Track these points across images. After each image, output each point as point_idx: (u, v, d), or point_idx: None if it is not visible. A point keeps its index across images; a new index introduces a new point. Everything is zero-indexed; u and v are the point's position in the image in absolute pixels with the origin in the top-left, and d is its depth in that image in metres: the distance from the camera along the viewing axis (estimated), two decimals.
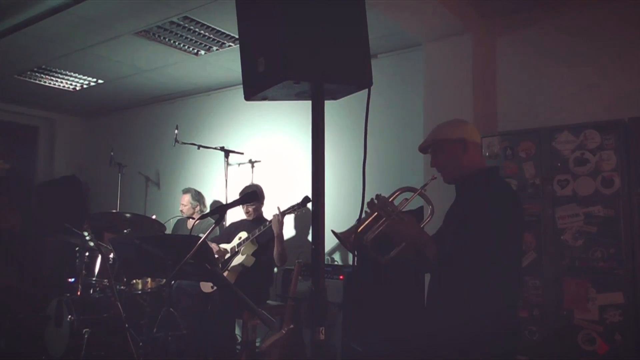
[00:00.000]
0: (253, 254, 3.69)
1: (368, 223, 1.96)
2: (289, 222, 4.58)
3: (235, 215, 4.23)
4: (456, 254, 1.74)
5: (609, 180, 2.84)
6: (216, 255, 3.78)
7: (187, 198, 4.66)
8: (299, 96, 1.40)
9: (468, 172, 1.96)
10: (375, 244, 1.92)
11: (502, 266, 1.68)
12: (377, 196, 1.99)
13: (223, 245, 3.86)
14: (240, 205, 3.89)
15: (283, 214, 3.62)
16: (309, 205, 3.59)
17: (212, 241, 3.91)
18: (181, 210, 4.71)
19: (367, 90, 1.38)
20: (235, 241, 3.82)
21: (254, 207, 3.89)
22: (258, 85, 1.36)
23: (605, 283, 2.78)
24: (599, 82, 3.21)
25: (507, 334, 1.74)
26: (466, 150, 1.95)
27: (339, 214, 3.80)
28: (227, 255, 3.81)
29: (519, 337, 1.86)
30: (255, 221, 3.84)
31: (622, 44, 3.17)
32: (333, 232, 1.99)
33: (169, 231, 4.78)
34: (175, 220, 4.89)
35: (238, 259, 3.71)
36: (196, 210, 4.61)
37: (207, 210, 4.84)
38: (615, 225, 2.78)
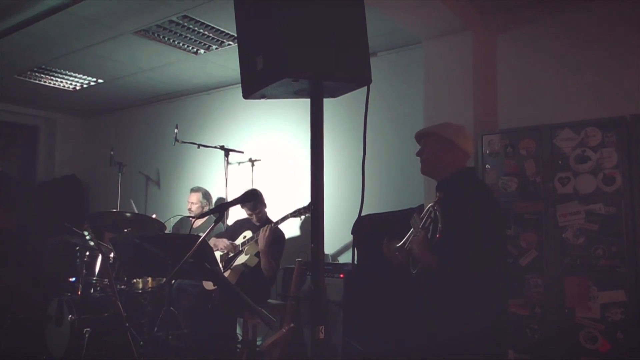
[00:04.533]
0: (257, 255, 3.67)
1: (407, 238, 2.07)
2: (289, 221, 4.57)
3: (240, 213, 4.20)
4: (452, 263, 1.79)
5: (610, 177, 2.83)
6: (226, 250, 3.75)
7: (197, 196, 4.60)
8: (297, 94, 1.40)
9: (448, 172, 2.10)
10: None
11: (493, 267, 1.70)
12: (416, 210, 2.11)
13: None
14: (246, 213, 3.88)
15: (272, 227, 3.56)
16: None
17: (218, 237, 3.89)
18: (189, 209, 4.63)
19: (366, 88, 1.38)
20: (240, 240, 3.80)
21: (260, 215, 3.82)
22: (257, 83, 1.36)
23: (607, 281, 2.77)
24: (600, 79, 3.20)
25: (500, 333, 1.75)
26: (451, 150, 2.09)
27: (338, 212, 3.80)
28: (231, 254, 3.79)
29: (506, 335, 1.90)
30: (262, 225, 3.81)
31: (624, 41, 3.15)
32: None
33: (171, 230, 4.77)
34: (176, 219, 4.88)
35: (241, 259, 3.68)
36: (204, 210, 4.58)
37: None
38: (617, 223, 2.77)
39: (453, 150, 2.10)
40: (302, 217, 3.57)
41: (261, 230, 3.56)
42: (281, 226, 3.71)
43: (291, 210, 3.55)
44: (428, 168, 2.18)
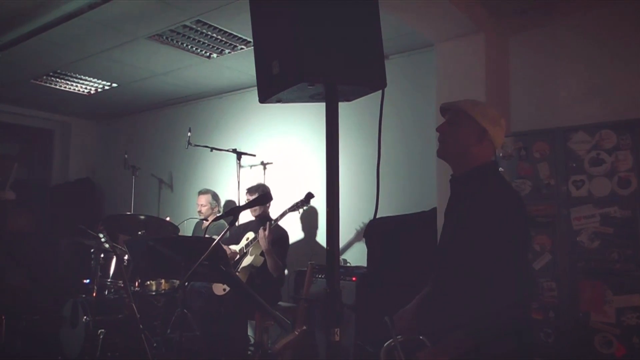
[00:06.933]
0: (261, 254, 3.71)
1: None
2: (297, 223, 4.59)
3: (243, 217, 4.24)
4: (465, 268, 1.67)
5: (626, 180, 2.80)
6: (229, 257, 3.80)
7: (206, 198, 4.64)
8: (312, 98, 1.41)
9: (471, 165, 1.78)
10: None
11: (509, 268, 1.65)
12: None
13: (232, 247, 3.88)
14: (251, 213, 3.92)
15: (269, 225, 3.58)
16: (312, 201, 3.60)
17: (223, 244, 3.93)
18: (199, 211, 4.67)
19: (378, 91, 1.38)
20: (243, 242, 3.84)
21: (263, 211, 3.88)
22: (272, 87, 1.37)
23: (622, 285, 2.74)
24: (614, 81, 3.17)
25: (515, 333, 1.71)
26: (481, 142, 1.76)
27: (349, 215, 3.81)
28: (237, 257, 3.82)
29: (528, 337, 1.79)
30: (262, 220, 3.84)
31: (637, 42, 3.13)
32: None
33: (188, 234, 4.81)
34: (192, 222, 4.92)
35: (247, 260, 3.73)
36: (214, 211, 4.61)
37: (223, 211, 4.87)
38: (632, 226, 2.75)
39: (485, 142, 1.76)
40: (301, 210, 3.59)
41: (260, 230, 3.59)
42: (287, 227, 3.72)
43: (289, 205, 3.57)
44: (450, 153, 1.81)
